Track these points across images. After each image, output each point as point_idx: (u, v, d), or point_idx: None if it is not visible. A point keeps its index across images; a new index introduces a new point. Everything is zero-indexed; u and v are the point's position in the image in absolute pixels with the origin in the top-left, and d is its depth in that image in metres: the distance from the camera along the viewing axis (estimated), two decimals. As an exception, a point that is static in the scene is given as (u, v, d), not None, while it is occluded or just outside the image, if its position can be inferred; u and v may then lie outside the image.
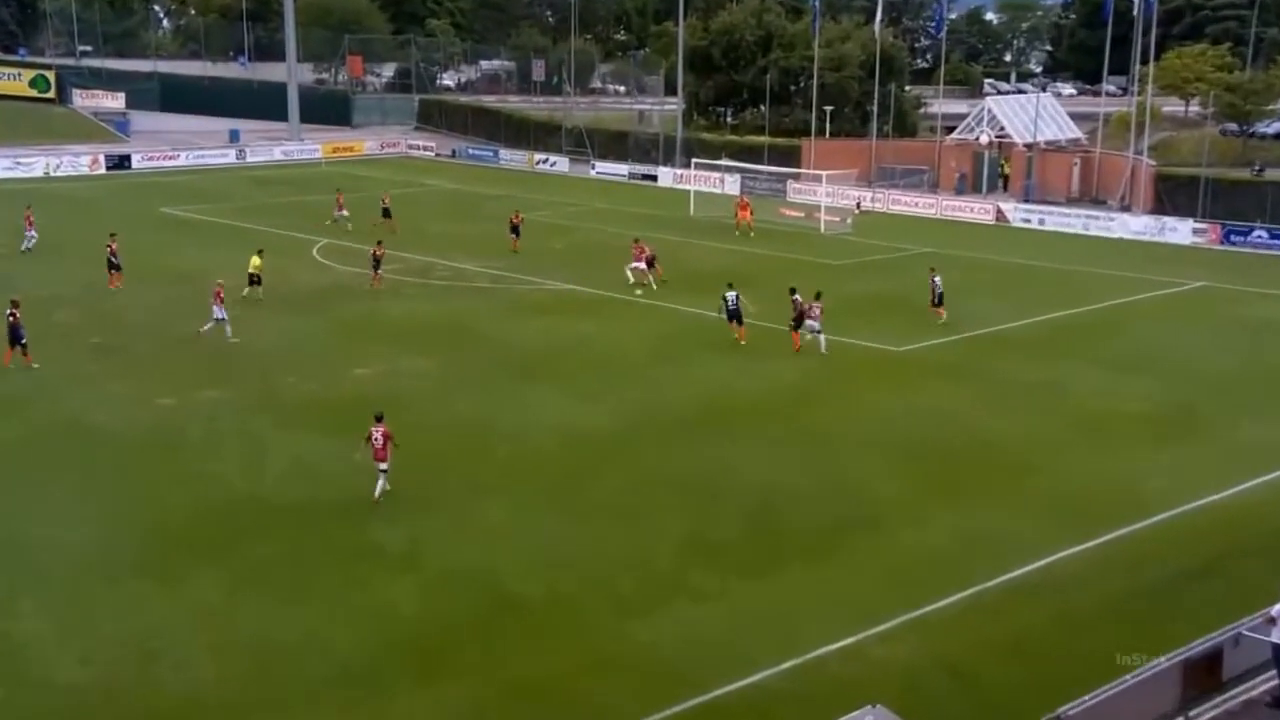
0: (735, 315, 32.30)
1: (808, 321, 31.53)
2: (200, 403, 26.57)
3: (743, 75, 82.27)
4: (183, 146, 78.43)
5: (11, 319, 28.77)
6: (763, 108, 79.59)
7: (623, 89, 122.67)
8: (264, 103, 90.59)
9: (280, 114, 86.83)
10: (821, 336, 31.46)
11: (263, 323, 34.08)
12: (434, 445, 24.09)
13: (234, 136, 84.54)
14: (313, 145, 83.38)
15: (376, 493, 21.02)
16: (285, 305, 36.30)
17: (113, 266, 37.76)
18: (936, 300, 35.41)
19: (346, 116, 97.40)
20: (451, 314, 35.71)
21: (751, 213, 52.34)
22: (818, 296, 31.99)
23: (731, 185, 65.83)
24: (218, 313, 31.53)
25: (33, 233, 44.26)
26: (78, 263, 41.51)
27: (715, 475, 22.82)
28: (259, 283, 36.87)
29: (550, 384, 28.66)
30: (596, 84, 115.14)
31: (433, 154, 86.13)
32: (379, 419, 21.30)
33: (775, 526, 20.58)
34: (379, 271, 38.33)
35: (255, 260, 37.38)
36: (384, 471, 21.09)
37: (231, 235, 47.87)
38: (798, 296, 32.17)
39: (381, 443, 21.11)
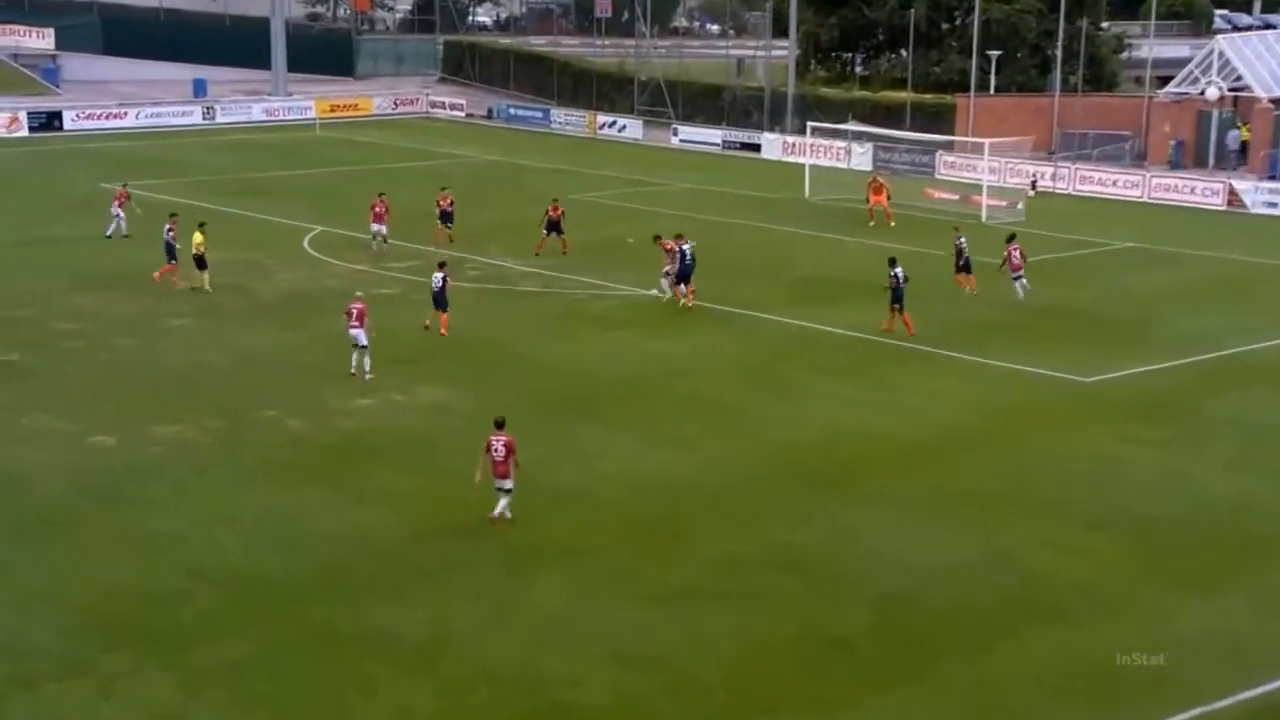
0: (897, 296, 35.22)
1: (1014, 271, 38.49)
2: (149, 442, 26.76)
3: (878, 10, 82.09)
4: (131, 102, 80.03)
5: None
6: (904, 53, 79.27)
7: (716, 29, 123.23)
8: (239, 46, 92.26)
9: (261, 60, 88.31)
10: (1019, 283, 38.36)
11: (232, 335, 34.41)
12: (467, 504, 24.01)
13: (199, 89, 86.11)
14: (304, 101, 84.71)
15: (496, 512, 22.79)
16: (263, 313, 36.67)
17: (171, 254, 38.92)
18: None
19: (348, 64, 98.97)
20: (486, 327, 35.80)
21: (889, 196, 51.98)
22: (1011, 238, 39.21)
23: (861, 158, 65.56)
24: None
25: (119, 212, 45.87)
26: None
27: (836, 546, 22.66)
28: (204, 267, 37.88)
29: (617, 423, 28.61)
30: (681, 22, 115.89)
31: (462, 114, 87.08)
32: (500, 425, 22.85)
33: (917, 616, 20.27)
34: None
35: (197, 237, 38.20)
36: (507, 492, 22.78)
37: (194, 221, 48.45)
38: (962, 239, 39.38)
39: (503, 454, 22.63)
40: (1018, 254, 38.84)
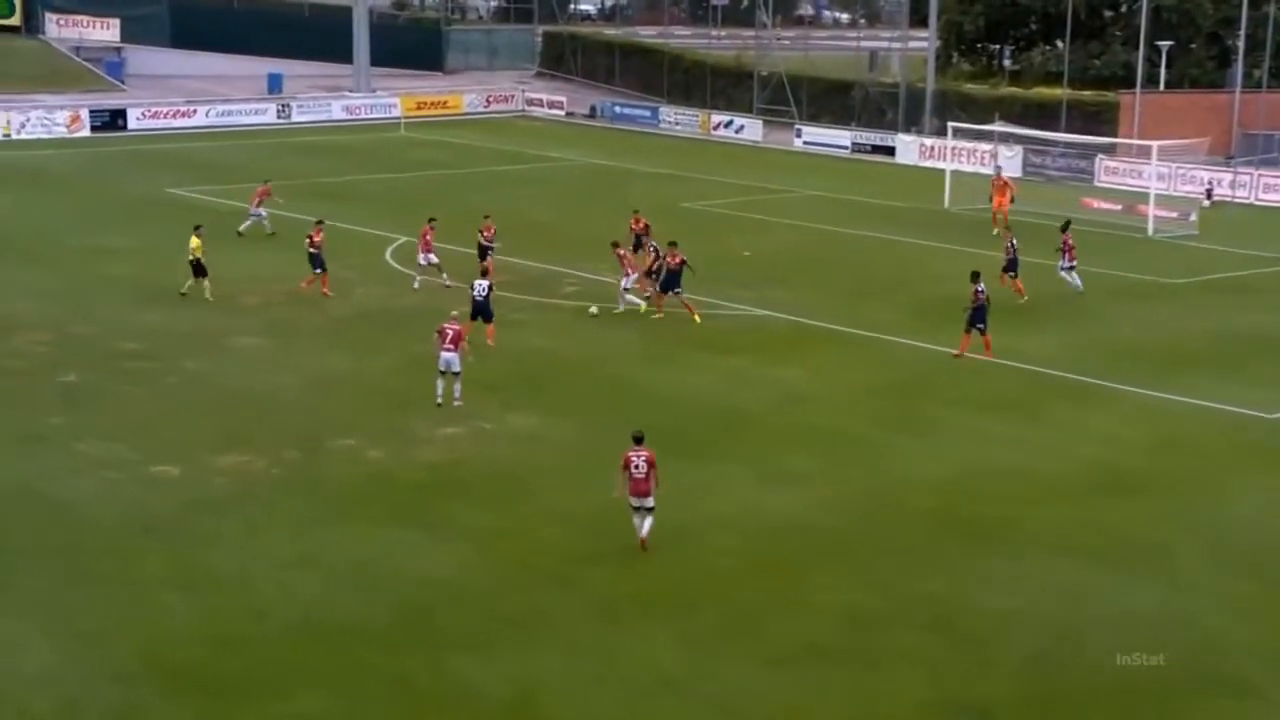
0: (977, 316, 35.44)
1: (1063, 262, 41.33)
2: (214, 473, 27.21)
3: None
4: (201, 99, 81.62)
5: None
6: (1060, 45, 78.55)
7: (845, 18, 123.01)
8: (318, 37, 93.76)
9: (342, 53, 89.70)
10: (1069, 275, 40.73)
11: (306, 356, 34.95)
12: (561, 546, 24.18)
13: (274, 85, 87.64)
14: (388, 99, 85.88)
15: (644, 534, 23.72)
16: (340, 332, 37.19)
17: (316, 264, 39.81)
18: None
19: (437, 58, 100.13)
20: (586, 351, 36.02)
21: (1012, 199, 51.72)
22: (1066, 226, 42.14)
23: (1010, 162, 65.06)
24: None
25: (261, 211, 47.83)
26: (40, 268, 43.33)
27: (975, 599, 22.44)
28: (204, 274, 39.08)
29: (729, 458, 28.61)
30: (806, 10, 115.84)
31: (561, 112, 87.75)
32: (639, 440, 23.86)
33: (1068, 682, 20.01)
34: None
35: (194, 241, 39.27)
36: (649, 510, 23.69)
37: (266, 228, 49.34)
38: (1014, 241, 41.29)
39: (645, 471, 23.49)
40: (1070, 242, 41.99)
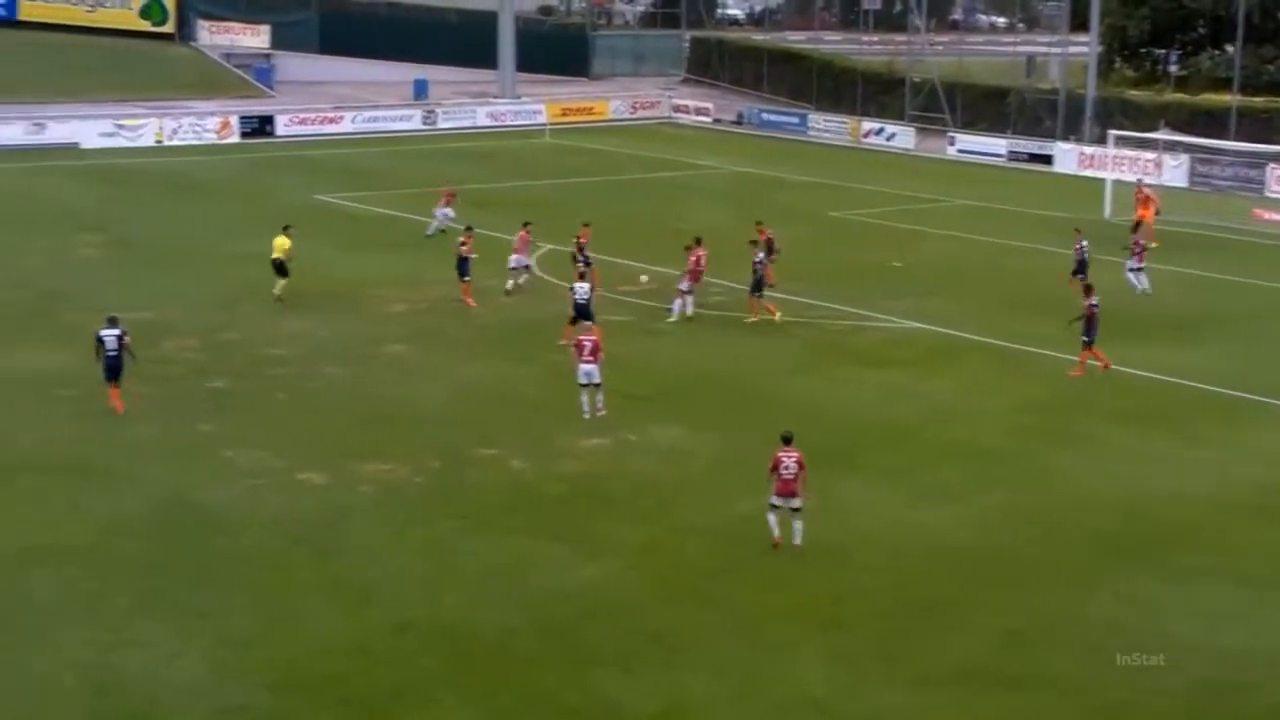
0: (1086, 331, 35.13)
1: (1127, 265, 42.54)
2: (360, 481, 27.61)
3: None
4: (347, 105, 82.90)
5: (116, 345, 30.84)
6: (1230, 49, 77.01)
7: (1002, 22, 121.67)
8: (464, 42, 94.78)
9: (487, 59, 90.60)
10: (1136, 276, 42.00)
11: (450, 364, 35.33)
12: (706, 560, 24.22)
13: (420, 91, 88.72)
14: (533, 105, 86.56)
15: (797, 540, 24.23)
16: (484, 340, 37.55)
17: (464, 271, 40.68)
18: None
19: (583, 63, 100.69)
20: (728, 362, 36.04)
21: (1157, 211, 50.94)
22: (1137, 227, 44.54)
23: (1175, 172, 64.02)
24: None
25: (448, 210, 49.44)
26: (193, 274, 44.27)
27: (1136, 624, 22.16)
28: (284, 274, 40.04)
29: (880, 474, 28.50)
30: (961, 15, 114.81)
31: (708, 119, 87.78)
32: (788, 440, 24.31)
33: (1238, 711, 19.81)
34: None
35: (281, 241, 40.31)
36: (797, 511, 24.22)
37: (413, 235, 49.97)
38: (1084, 243, 42.33)
39: (795, 471, 24.04)
40: (1143, 244, 43.32)
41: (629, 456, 29.26)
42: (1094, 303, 34.96)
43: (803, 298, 42.13)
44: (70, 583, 23.13)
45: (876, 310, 41.03)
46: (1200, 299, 43.25)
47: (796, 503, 24.25)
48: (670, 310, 39.64)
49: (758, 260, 39.60)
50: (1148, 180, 56.16)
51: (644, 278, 43.64)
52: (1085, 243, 42.93)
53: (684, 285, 39.68)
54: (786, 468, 24.16)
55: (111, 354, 30.86)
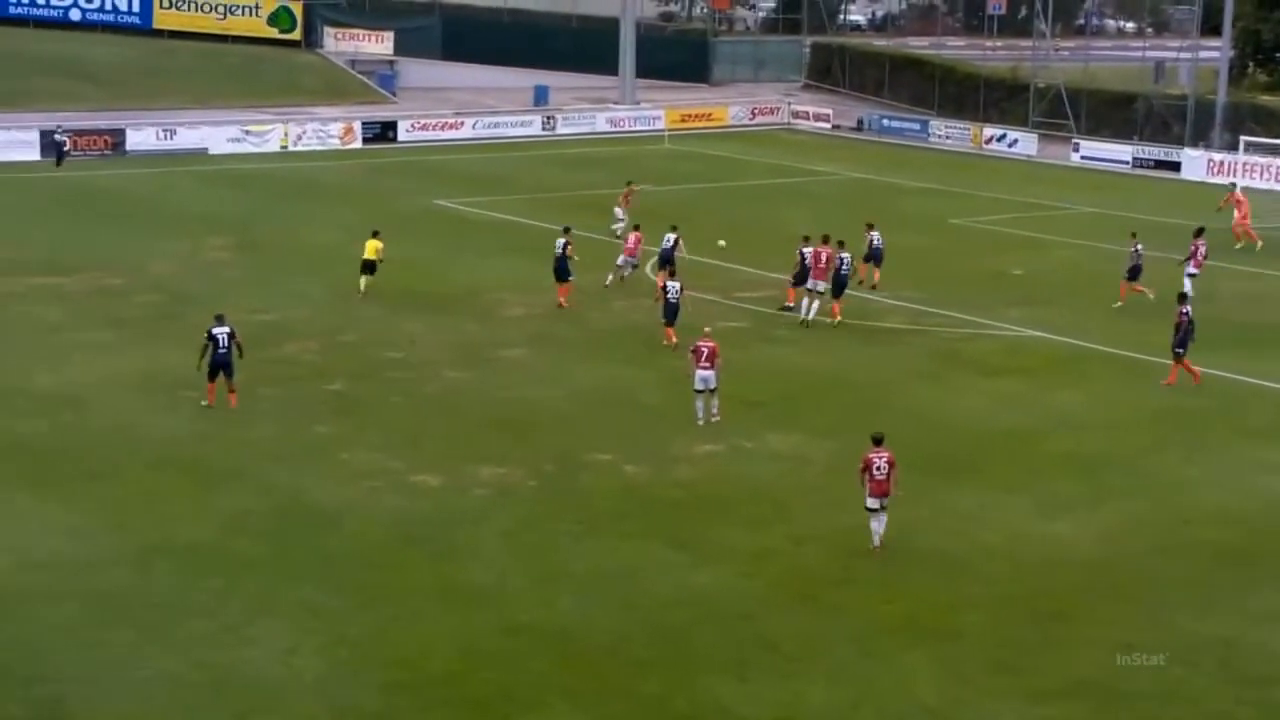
0: None
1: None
2: (474, 484, 27.76)
3: (1334, 2, 78.68)
4: (468, 111, 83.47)
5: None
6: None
7: (1130, 27, 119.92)
8: (584, 49, 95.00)
9: (607, 65, 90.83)
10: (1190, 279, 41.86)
11: (566, 369, 35.44)
12: (821, 568, 24.14)
13: (540, 97, 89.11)
14: (652, 111, 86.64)
15: (875, 542, 24.47)
16: (601, 345, 37.62)
17: (562, 274, 41.18)
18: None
19: (703, 69, 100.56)
20: (844, 369, 35.89)
21: (1247, 215, 51.06)
22: (1200, 233, 43.44)
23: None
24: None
25: (618, 210, 50.75)
26: (315, 277, 44.78)
27: (1260, 640, 21.82)
28: (372, 271, 41.93)
29: (999, 484, 28.26)
30: (1088, 20, 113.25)
31: (828, 125, 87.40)
32: (878, 441, 24.64)
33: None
34: None
35: (373, 244, 42.00)
36: (880, 511, 24.52)
37: (531, 240, 50.18)
38: (1139, 247, 42.17)
39: (886, 471, 24.38)
40: (1204, 250, 43.17)
41: (744, 463, 29.18)
42: (1184, 311, 34.52)
43: (921, 305, 41.81)
44: (190, 579, 23.46)
45: (996, 318, 40.63)
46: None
47: (888, 501, 24.53)
48: (798, 311, 39.69)
49: (843, 262, 39.69)
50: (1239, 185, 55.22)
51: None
52: (1140, 246, 42.67)
53: (819, 286, 39.41)
54: (879, 469, 24.35)
55: (222, 351, 31.47)
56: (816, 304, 39.37)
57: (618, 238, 48.32)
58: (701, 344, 31.20)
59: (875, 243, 43.84)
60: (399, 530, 25.60)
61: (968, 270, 45.99)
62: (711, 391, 31.10)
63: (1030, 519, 26.51)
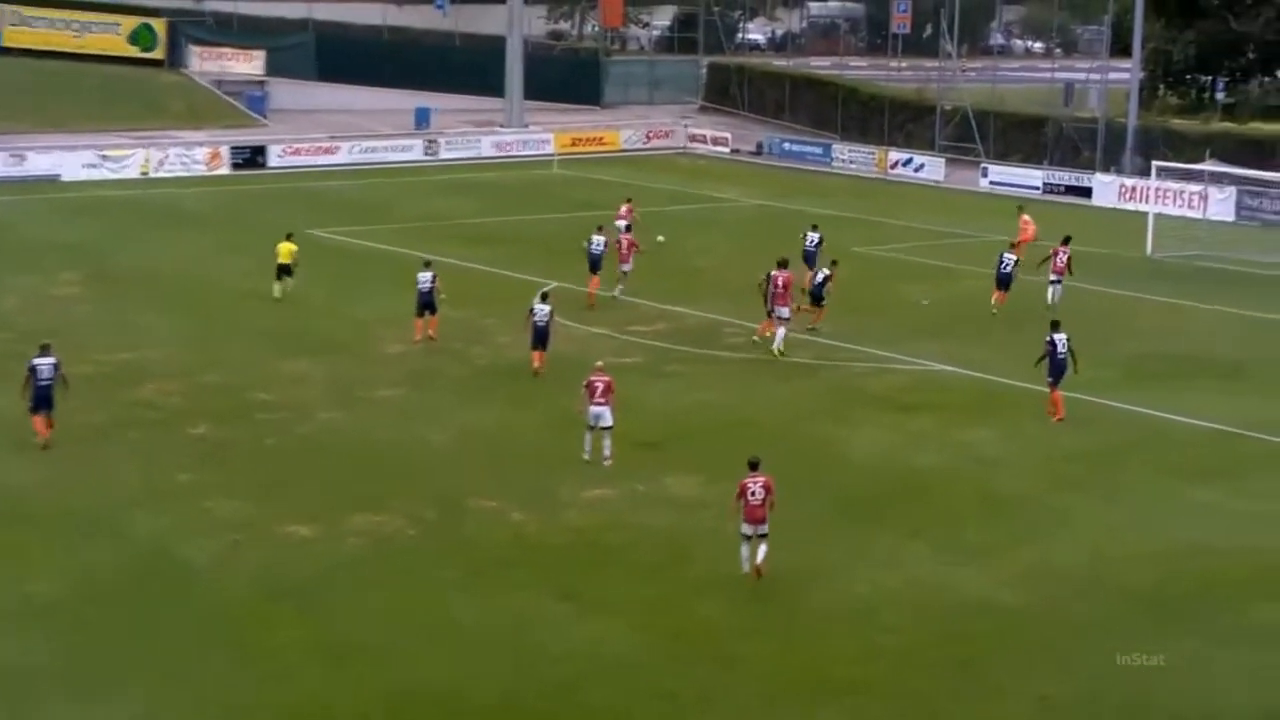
0: None
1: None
2: (349, 533, 27.38)
3: (1248, 22, 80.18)
4: (345, 134, 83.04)
5: None
6: (1280, 75, 77.08)
7: (1038, 47, 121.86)
8: (469, 69, 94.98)
9: (494, 86, 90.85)
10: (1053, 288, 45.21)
11: (449, 409, 35.16)
12: (722, 620, 24.02)
13: (421, 119, 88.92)
14: (541, 135, 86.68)
15: (745, 568, 25.13)
16: (486, 384, 37.39)
17: (427, 307, 40.90)
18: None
19: (594, 91, 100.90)
20: (746, 406, 35.90)
21: (1034, 236, 52.34)
22: (1066, 241, 46.37)
23: (1222, 205, 63.88)
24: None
25: (619, 223, 51.30)
26: (174, 313, 44.17)
27: (1183, 690, 21.94)
28: (290, 274, 44.37)
29: (908, 528, 28.32)
30: (995, 40, 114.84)
31: (726, 149, 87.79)
32: (754, 466, 25.32)
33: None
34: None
35: (287, 246, 44.21)
36: (764, 537, 25.02)
37: (410, 273, 49.73)
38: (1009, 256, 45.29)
39: (762, 497, 25.00)
40: (1064, 258, 45.84)
41: (638, 508, 29.04)
42: (1049, 338, 35.01)
43: (826, 339, 41.92)
44: (40, 643, 22.90)
45: (904, 352, 40.85)
46: (1250, 341, 42.96)
47: (764, 529, 24.95)
48: (768, 339, 40.24)
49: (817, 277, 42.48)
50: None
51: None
52: (1011, 257, 45.69)
53: (783, 312, 39.95)
54: (753, 494, 24.90)
55: (44, 383, 31.10)
56: (783, 331, 39.92)
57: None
58: (595, 378, 31.07)
59: (811, 243, 47.80)
60: (269, 584, 25.20)
61: (874, 301, 46.21)
62: (605, 429, 30.98)
63: (940, 564, 26.53)
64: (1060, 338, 34.94)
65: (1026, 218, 53.57)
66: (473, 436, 33.28)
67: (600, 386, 30.88)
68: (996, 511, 29.26)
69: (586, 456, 31.06)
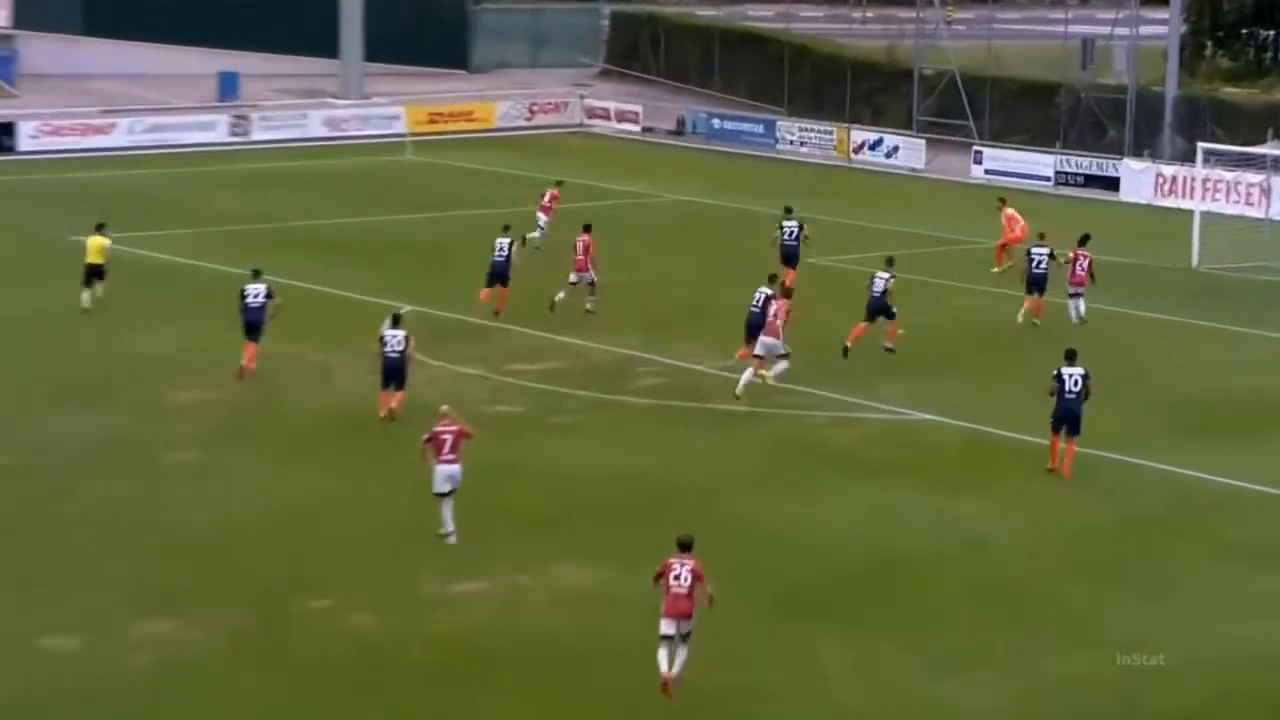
0: None
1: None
2: (130, 648, 27.10)
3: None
4: (123, 109, 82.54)
5: None
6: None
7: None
8: (290, 21, 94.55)
9: (324, 44, 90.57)
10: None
11: (266, 477, 35.05)
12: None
13: (228, 88, 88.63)
14: (388, 109, 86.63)
15: (676, 670, 24.75)
16: (315, 441, 37.34)
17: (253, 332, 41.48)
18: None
19: (459, 50, 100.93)
20: (666, 469, 35.98)
21: (1016, 238, 53.46)
22: (1085, 240, 48.48)
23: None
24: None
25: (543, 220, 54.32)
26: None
27: None
28: (101, 277, 44.33)
29: (885, 630, 28.46)
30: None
31: (635, 127, 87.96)
32: (686, 547, 25.51)
33: None
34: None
35: (97, 241, 45.14)
36: (685, 638, 24.91)
37: (211, 293, 49.57)
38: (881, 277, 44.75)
39: (688, 586, 24.92)
40: (1085, 264, 47.69)
41: (523, 607, 28.95)
42: (1057, 372, 35.56)
43: (774, 380, 42.05)
44: None
45: (870, 395, 41.14)
46: None
47: (688, 627, 24.90)
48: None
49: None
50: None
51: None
52: (884, 278, 45.48)
53: (780, 348, 40.38)
54: (678, 577, 24.86)
55: None
56: (750, 372, 40.16)
57: (537, 249, 51.71)
58: (441, 429, 31.13)
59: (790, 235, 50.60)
60: (21, 716, 24.91)
61: (833, 330, 46.27)
62: (447, 495, 31.22)
63: (919, 677, 26.61)
64: (1074, 372, 35.32)
65: (1011, 212, 54.61)
66: (299, 513, 33.13)
67: (449, 439, 30.96)
68: (994, 608, 29.35)
69: (448, 534, 31.17)
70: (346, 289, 50.55)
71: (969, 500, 34.52)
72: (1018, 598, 29.93)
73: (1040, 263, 47.29)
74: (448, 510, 31.16)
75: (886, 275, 44.30)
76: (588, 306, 47.28)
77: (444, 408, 32.39)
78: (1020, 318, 46.64)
